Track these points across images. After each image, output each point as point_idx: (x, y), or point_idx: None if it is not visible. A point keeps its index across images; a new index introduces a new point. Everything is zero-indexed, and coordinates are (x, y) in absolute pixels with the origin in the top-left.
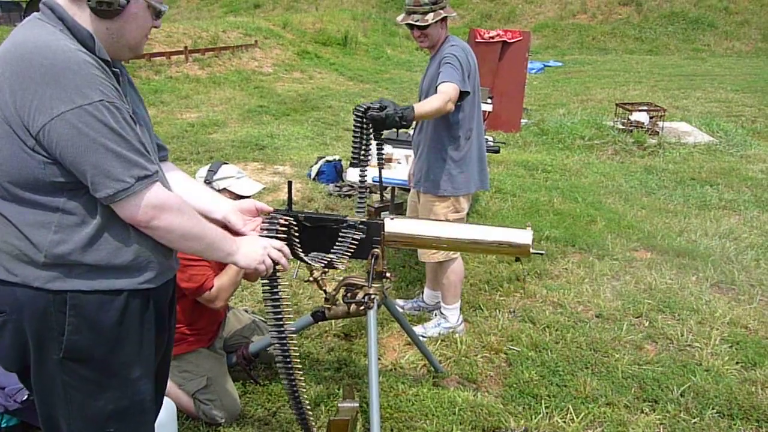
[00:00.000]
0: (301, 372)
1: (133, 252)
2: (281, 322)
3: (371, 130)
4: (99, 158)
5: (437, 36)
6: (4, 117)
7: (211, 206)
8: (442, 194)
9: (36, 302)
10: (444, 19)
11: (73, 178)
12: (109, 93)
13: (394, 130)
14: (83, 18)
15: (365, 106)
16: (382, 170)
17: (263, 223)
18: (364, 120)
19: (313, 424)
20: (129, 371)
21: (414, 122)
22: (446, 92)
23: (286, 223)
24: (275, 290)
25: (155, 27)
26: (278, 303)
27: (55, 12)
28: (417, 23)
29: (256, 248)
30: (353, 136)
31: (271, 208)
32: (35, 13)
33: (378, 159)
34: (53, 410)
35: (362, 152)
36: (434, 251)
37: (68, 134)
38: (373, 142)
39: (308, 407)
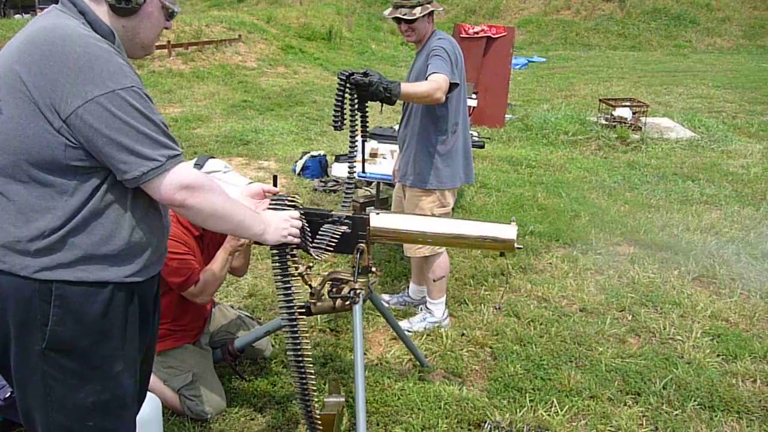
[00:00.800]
0: (310, 355)
1: (124, 241)
2: (291, 300)
3: (356, 100)
4: (131, 140)
5: (424, 30)
6: (32, 98)
7: None
8: (428, 188)
9: (21, 292)
10: (431, 13)
11: (90, 162)
12: (137, 80)
13: (381, 126)
14: (101, 14)
15: (349, 72)
16: (368, 164)
17: (270, 203)
18: (347, 85)
19: (316, 407)
20: (111, 365)
21: (399, 100)
22: (437, 81)
23: (293, 200)
24: (285, 268)
25: (166, 28)
26: (288, 280)
27: (77, 6)
28: (404, 17)
29: (281, 223)
30: (335, 103)
31: (278, 189)
32: (55, 5)
33: (362, 128)
34: (33, 401)
35: (342, 119)
36: (420, 246)
37: (101, 117)
38: (359, 137)
39: (313, 386)
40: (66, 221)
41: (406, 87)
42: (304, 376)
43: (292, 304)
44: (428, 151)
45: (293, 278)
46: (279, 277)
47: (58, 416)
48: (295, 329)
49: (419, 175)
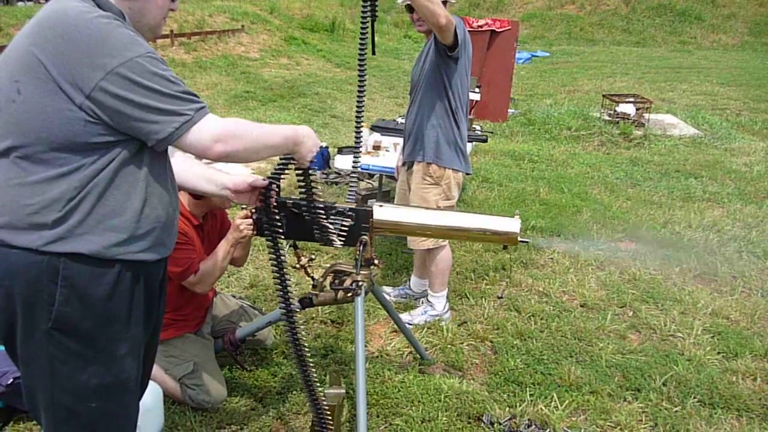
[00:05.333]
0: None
1: (136, 213)
2: (287, 285)
3: None
4: (157, 101)
5: None
6: (51, 77)
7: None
8: (426, 161)
9: (29, 270)
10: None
11: (109, 137)
12: (150, 48)
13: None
14: None
15: None
16: (371, 156)
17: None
18: None
19: (317, 382)
20: (115, 348)
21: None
22: (448, 14)
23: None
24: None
25: (172, 10)
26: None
27: None
28: None
29: (313, 145)
30: None
31: (265, 182)
32: None
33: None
34: (37, 381)
35: None
36: (423, 238)
37: (125, 85)
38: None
39: (312, 365)
40: (80, 189)
41: None
42: (305, 363)
43: (288, 295)
44: (431, 125)
45: (292, 269)
46: (276, 268)
47: (61, 397)
48: (293, 319)
49: (420, 150)
